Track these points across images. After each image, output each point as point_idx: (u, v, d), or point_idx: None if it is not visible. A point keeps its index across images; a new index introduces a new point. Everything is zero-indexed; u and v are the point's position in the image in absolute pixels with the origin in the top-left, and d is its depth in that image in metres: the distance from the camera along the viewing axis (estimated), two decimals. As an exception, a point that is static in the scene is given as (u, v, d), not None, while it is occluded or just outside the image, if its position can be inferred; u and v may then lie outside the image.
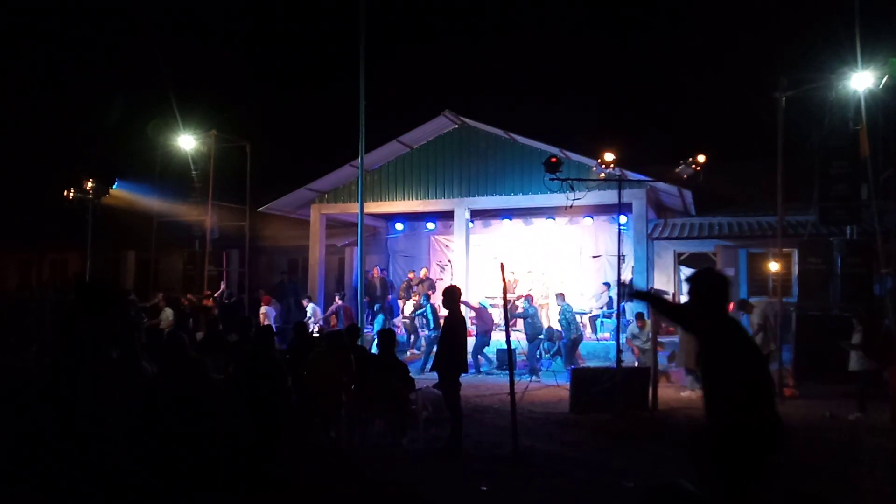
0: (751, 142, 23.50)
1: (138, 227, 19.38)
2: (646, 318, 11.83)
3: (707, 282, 3.73)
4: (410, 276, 16.25)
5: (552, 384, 10.91)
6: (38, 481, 4.63)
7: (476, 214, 15.85)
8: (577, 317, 14.98)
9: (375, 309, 15.47)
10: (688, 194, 14.23)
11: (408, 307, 15.00)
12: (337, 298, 15.24)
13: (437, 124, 15.02)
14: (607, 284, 14.76)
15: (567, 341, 12.31)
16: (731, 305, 11.11)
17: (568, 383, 9.48)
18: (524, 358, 12.33)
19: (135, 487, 4.71)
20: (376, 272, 16.40)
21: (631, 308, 14.06)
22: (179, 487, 5.05)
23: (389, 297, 16.41)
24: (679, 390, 10.70)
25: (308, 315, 14.42)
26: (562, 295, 13.03)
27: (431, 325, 12.76)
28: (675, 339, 11.83)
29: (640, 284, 13.22)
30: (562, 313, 12.45)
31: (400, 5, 42.27)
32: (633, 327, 12.16)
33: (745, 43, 35.49)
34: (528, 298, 12.94)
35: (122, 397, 3.77)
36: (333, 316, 14.87)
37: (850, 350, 9.01)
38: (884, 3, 12.85)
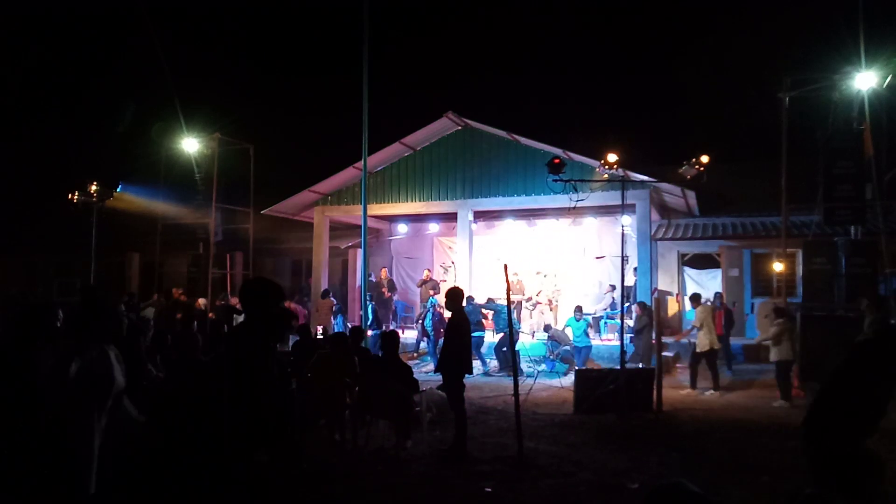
0: (754, 142, 23.49)
1: (142, 229, 19.43)
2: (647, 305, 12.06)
3: None
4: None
5: (556, 385, 10.90)
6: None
7: (479, 216, 15.85)
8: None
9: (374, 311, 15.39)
10: (691, 195, 14.21)
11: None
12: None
13: (440, 126, 15.02)
14: (613, 287, 14.74)
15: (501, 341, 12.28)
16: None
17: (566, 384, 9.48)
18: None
19: (137, 490, 4.71)
20: (384, 273, 16.35)
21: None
22: (182, 490, 5.05)
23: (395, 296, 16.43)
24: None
25: None
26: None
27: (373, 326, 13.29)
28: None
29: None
30: (496, 313, 12.50)
31: (403, 7, 42.37)
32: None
33: (748, 43, 35.46)
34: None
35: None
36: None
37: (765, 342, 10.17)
38: (887, 3, 12.82)
